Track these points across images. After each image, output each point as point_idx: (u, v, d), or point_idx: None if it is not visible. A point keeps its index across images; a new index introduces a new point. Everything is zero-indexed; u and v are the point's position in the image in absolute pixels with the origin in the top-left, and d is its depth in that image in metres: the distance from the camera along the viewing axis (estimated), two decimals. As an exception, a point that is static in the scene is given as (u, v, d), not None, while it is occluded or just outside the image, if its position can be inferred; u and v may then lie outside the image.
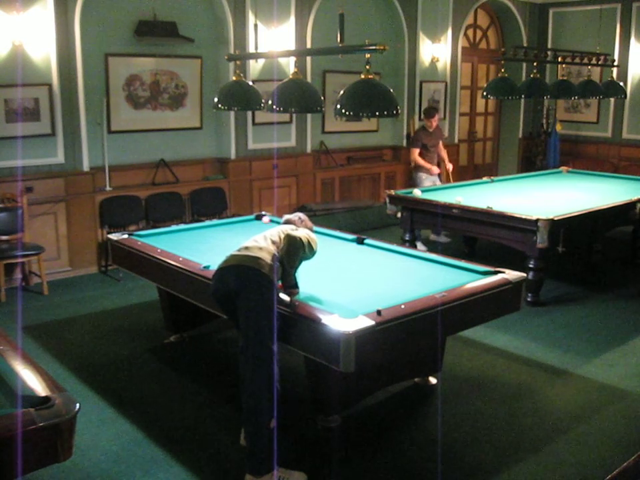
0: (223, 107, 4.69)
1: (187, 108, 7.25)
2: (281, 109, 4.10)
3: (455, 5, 9.41)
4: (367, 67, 3.43)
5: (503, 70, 6.46)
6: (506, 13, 10.51)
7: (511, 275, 3.71)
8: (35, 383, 2.19)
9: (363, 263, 4.18)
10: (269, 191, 7.72)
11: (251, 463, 3.08)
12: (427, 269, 3.98)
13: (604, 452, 3.39)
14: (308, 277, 3.82)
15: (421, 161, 7.58)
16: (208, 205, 7.22)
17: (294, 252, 3.23)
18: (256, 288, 3.10)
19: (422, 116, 7.85)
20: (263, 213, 5.46)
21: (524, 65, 10.10)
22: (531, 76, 6.81)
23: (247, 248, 3.30)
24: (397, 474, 3.22)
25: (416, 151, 7.56)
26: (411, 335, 3.21)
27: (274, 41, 7.32)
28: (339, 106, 3.52)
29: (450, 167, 7.87)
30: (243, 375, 3.14)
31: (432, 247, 7.25)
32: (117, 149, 6.80)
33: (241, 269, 3.15)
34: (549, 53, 7.98)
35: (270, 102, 4.13)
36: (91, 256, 6.53)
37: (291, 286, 3.28)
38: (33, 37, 5.82)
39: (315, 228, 5.00)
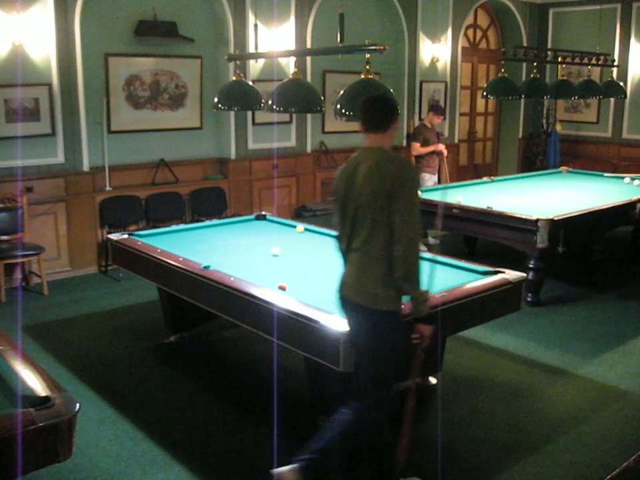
0: (223, 107, 4.69)
1: (187, 108, 7.25)
2: (281, 109, 4.11)
3: (454, 5, 9.41)
4: (367, 66, 3.44)
5: (503, 70, 6.46)
6: (506, 13, 10.51)
7: (510, 275, 3.71)
8: (35, 383, 2.19)
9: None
10: (269, 190, 7.72)
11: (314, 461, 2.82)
12: (426, 269, 3.97)
13: (604, 452, 3.39)
14: (307, 276, 3.82)
15: (424, 149, 7.55)
16: (208, 205, 7.22)
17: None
18: (376, 333, 2.73)
19: (429, 111, 7.80)
20: (263, 212, 5.46)
21: (524, 65, 10.09)
22: (531, 76, 6.82)
23: (361, 270, 2.75)
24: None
25: (418, 145, 7.55)
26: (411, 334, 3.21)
27: (274, 41, 7.31)
28: (338, 106, 3.52)
29: (445, 152, 7.75)
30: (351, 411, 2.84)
31: (432, 247, 7.24)
32: (117, 149, 6.80)
33: (359, 310, 2.75)
34: (548, 52, 7.99)
35: (270, 102, 4.13)
36: (91, 256, 6.53)
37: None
38: (33, 37, 5.82)
39: (315, 228, 5.01)
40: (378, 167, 2.73)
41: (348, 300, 2.84)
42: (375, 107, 2.89)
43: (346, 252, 2.88)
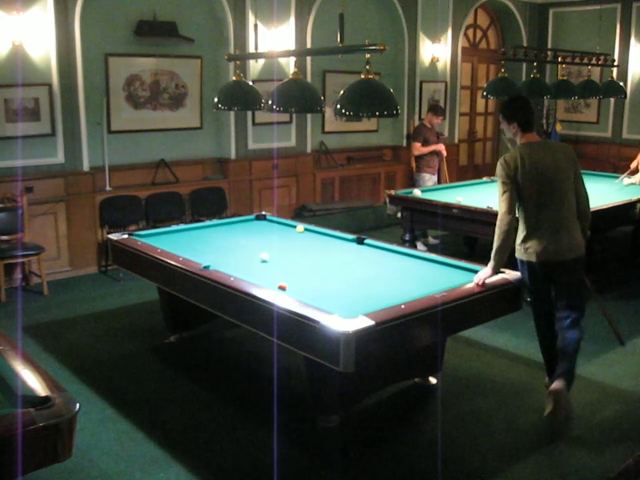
0: (223, 107, 4.69)
1: (187, 108, 7.25)
2: (281, 108, 4.10)
3: (454, 5, 9.41)
4: (367, 66, 3.44)
5: (503, 70, 6.46)
6: (506, 12, 10.51)
7: (510, 274, 3.71)
8: (35, 383, 2.18)
9: (362, 262, 4.18)
10: (269, 190, 7.72)
11: (569, 373, 3.66)
12: (427, 269, 3.98)
13: (604, 452, 3.39)
14: (307, 276, 3.83)
15: (426, 149, 7.58)
16: (208, 205, 7.23)
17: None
18: (580, 269, 3.78)
19: (428, 111, 7.87)
20: (263, 212, 5.46)
21: (524, 64, 10.09)
22: (531, 76, 6.81)
23: (569, 231, 3.67)
24: (397, 474, 3.22)
25: (419, 144, 7.58)
26: (411, 334, 3.21)
27: (274, 41, 7.32)
28: (339, 106, 3.52)
29: (444, 152, 7.78)
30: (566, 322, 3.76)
31: (432, 247, 7.25)
32: (117, 149, 6.80)
33: (571, 264, 3.68)
34: (548, 52, 7.98)
35: (270, 102, 4.13)
36: (91, 256, 6.53)
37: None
38: (33, 37, 5.82)
39: (315, 228, 5.01)
40: (562, 153, 3.73)
41: (557, 262, 3.66)
42: (528, 108, 3.76)
43: (537, 222, 3.65)
